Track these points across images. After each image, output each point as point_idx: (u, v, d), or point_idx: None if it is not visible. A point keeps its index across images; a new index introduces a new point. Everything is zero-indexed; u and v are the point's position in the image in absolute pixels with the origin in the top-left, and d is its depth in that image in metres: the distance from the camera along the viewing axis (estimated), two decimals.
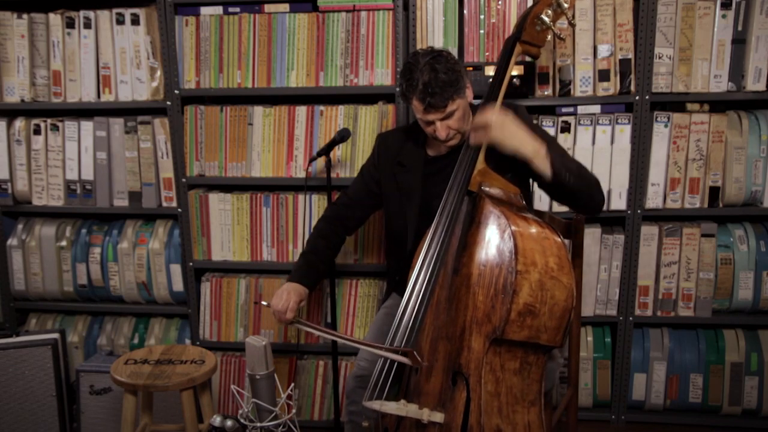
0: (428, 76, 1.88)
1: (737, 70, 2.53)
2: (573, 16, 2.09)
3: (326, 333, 2.03)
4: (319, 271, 2.21)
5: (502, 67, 1.97)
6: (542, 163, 1.77)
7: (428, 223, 1.92)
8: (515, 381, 1.67)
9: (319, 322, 2.83)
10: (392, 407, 1.70)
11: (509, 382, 1.66)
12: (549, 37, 2.05)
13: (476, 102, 2.44)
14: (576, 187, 1.82)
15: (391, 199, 2.19)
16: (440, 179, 2.01)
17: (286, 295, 2.05)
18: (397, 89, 2.60)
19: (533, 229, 1.69)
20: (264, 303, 2.06)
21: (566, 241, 2.38)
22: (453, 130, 1.97)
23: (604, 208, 2.62)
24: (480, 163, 1.86)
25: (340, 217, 2.27)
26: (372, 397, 1.78)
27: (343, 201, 2.29)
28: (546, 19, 1.96)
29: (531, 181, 2.17)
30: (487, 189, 1.81)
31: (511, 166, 1.91)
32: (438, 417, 1.68)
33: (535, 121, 2.59)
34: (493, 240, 1.68)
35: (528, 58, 2.53)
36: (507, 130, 1.77)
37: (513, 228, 1.65)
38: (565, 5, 1.95)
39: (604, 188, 2.62)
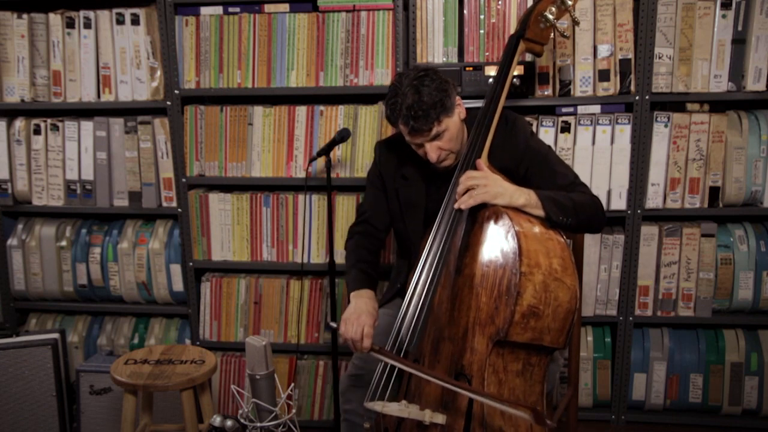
0: (411, 98, 1.83)
1: (737, 70, 2.53)
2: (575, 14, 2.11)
3: (411, 368, 1.68)
4: (375, 280, 2.07)
5: (506, 64, 1.97)
6: (536, 211, 1.74)
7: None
8: (518, 382, 1.66)
9: (319, 323, 2.83)
10: (394, 408, 1.70)
11: (512, 383, 1.66)
12: (552, 34, 2.05)
13: (479, 102, 2.46)
14: (573, 225, 1.78)
15: (394, 210, 2.15)
16: (444, 191, 1.93)
17: (356, 318, 1.82)
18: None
19: (536, 230, 1.68)
20: (333, 324, 1.84)
21: (568, 241, 2.38)
22: (444, 150, 1.91)
23: (604, 208, 2.63)
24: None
25: (368, 231, 2.17)
26: (373, 398, 1.77)
27: (365, 216, 2.19)
28: (550, 16, 1.95)
29: None
30: None
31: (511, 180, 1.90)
32: (440, 418, 1.67)
33: (534, 122, 2.60)
34: (497, 240, 1.67)
35: (528, 57, 2.55)
36: (494, 185, 1.74)
37: (516, 228, 1.65)
38: (569, 2, 1.95)
39: (604, 188, 2.62)
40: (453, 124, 1.90)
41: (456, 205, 1.77)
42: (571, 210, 1.77)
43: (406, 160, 2.09)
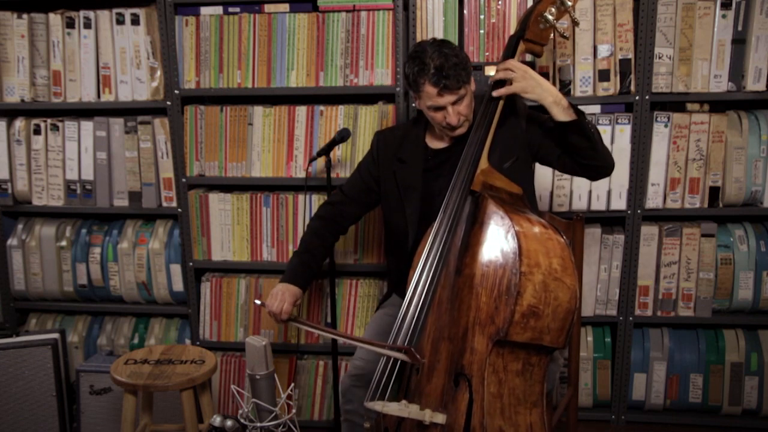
0: (439, 60, 1.91)
1: (737, 70, 2.53)
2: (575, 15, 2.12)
3: (323, 331, 2.04)
4: (313, 271, 2.19)
5: None
6: (564, 111, 1.87)
7: (429, 220, 1.91)
8: (518, 382, 1.67)
9: (319, 322, 2.83)
10: (394, 408, 1.70)
11: (512, 383, 1.66)
12: (551, 35, 2.05)
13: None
14: (595, 138, 1.89)
15: (391, 196, 2.18)
16: (440, 173, 2.03)
17: (281, 295, 2.04)
18: (397, 89, 2.61)
19: (537, 230, 1.68)
20: (258, 302, 2.05)
21: (567, 241, 2.37)
22: (463, 116, 1.99)
23: (604, 207, 2.64)
24: (483, 163, 1.86)
25: (335, 216, 2.24)
26: (373, 398, 1.78)
27: (339, 198, 2.26)
28: (549, 17, 1.96)
29: (533, 173, 2.18)
30: (489, 189, 1.80)
31: (515, 149, 1.99)
32: (440, 418, 1.67)
33: None
34: (497, 240, 1.67)
35: (528, 57, 2.55)
36: (530, 78, 1.88)
37: (516, 228, 1.65)
38: (569, 3, 1.95)
39: (604, 188, 2.62)
40: (470, 91, 2.00)
41: (495, 94, 1.92)
42: (593, 126, 1.90)
43: (403, 146, 2.16)
